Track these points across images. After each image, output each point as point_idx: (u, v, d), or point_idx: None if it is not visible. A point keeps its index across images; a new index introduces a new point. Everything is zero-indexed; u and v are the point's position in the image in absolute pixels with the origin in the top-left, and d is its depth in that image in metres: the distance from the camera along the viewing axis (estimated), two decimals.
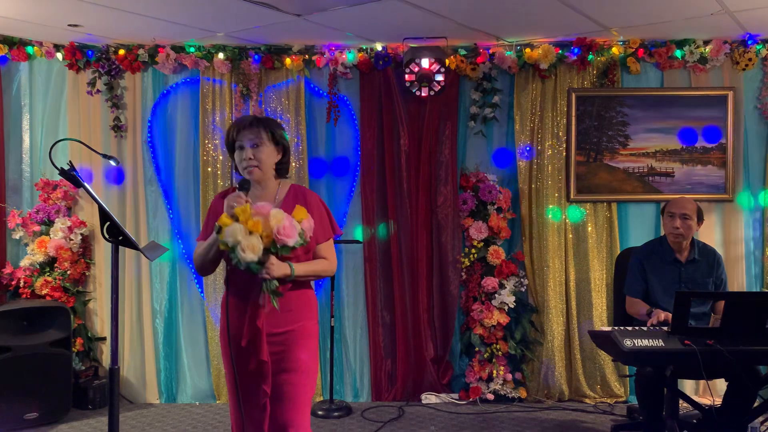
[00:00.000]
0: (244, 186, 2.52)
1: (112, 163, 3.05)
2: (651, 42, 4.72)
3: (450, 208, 4.88)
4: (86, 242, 4.86)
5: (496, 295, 4.74)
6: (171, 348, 4.90)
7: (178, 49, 4.78)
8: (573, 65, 4.80)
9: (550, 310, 4.83)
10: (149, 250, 2.60)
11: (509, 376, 4.73)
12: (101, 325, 4.91)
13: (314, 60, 4.83)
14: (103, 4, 3.91)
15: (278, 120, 4.27)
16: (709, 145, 4.78)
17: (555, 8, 4.00)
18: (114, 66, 4.80)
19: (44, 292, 4.60)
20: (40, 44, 4.78)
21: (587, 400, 4.78)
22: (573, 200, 4.85)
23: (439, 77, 4.67)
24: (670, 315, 3.20)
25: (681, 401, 3.43)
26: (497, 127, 4.92)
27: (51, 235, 4.70)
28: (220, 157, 4.86)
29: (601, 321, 4.80)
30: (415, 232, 4.89)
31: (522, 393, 4.77)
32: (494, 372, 4.73)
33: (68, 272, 4.70)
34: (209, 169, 4.87)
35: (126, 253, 4.75)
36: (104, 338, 4.88)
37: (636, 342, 2.96)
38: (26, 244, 4.79)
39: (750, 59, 4.66)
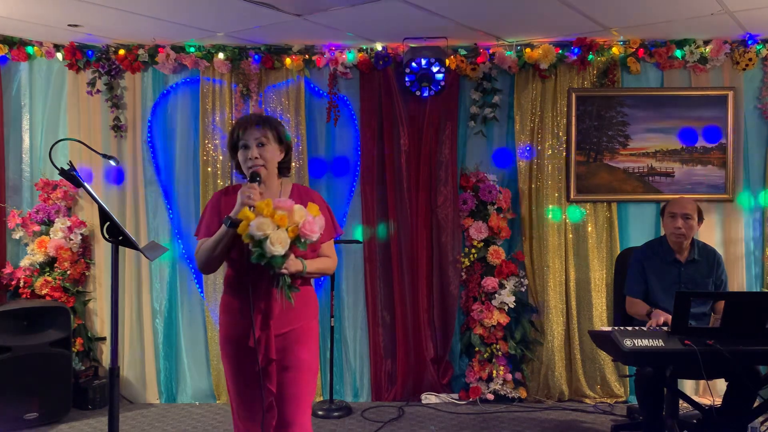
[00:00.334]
0: (256, 178, 2.49)
1: (112, 163, 3.05)
2: (651, 42, 4.71)
3: (450, 208, 4.88)
4: (86, 242, 4.86)
5: (496, 295, 4.74)
6: (171, 348, 4.90)
7: (178, 49, 4.78)
8: (573, 65, 4.80)
9: (550, 310, 4.83)
10: (149, 250, 2.59)
11: (509, 376, 4.73)
12: (101, 325, 4.91)
13: (314, 60, 4.83)
14: (103, 4, 3.91)
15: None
16: (709, 145, 4.78)
17: (555, 8, 4.00)
18: (114, 66, 4.80)
19: (44, 292, 4.60)
20: (40, 44, 4.78)
21: (587, 400, 4.78)
22: (573, 200, 4.85)
23: (439, 77, 4.67)
24: (669, 317, 3.19)
25: (681, 401, 3.43)
26: (497, 127, 4.92)
27: (51, 235, 4.70)
28: (220, 157, 4.86)
29: (601, 321, 4.80)
30: (415, 232, 4.89)
31: (522, 393, 4.77)
32: (494, 372, 4.73)
33: (68, 272, 4.70)
34: (209, 169, 4.86)
35: (126, 253, 4.76)
36: (104, 338, 4.89)
37: (636, 342, 2.95)
38: (26, 244, 4.80)
39: (750, 59, 4.65)
